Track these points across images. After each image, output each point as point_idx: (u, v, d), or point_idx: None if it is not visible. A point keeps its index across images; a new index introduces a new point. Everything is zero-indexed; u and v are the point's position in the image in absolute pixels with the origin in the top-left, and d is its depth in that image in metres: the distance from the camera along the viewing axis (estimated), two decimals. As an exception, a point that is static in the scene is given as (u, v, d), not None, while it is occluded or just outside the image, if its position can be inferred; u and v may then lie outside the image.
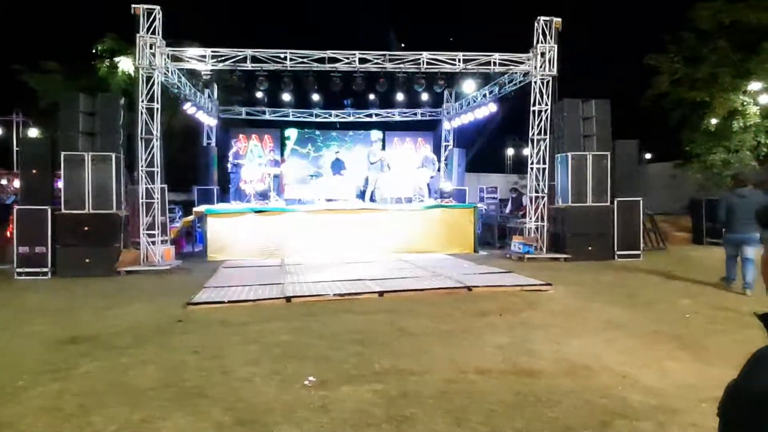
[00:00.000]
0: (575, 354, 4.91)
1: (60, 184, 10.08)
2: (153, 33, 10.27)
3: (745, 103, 14.19)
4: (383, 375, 4.42)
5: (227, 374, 4.42)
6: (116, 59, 16.80)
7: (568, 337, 5.43)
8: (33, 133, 19.07)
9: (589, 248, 11.12)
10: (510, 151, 32.13)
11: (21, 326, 6.10)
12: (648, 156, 24.35)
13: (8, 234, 10.37)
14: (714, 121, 14.72)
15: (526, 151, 19.05)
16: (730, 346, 5.20)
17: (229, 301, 7.04)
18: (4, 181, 17.11)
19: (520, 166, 26.59)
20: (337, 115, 17.86)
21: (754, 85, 14.27)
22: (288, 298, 7.17)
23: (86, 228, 9.84)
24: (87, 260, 9.79)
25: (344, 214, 12.53)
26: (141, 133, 10.38)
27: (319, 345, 5.24)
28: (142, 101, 10.32)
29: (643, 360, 4.76)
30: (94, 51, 17.68)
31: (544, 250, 11.52)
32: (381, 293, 7.49)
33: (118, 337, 5.51)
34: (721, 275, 8.24)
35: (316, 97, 14.85)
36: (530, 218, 11.71)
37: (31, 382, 4.23)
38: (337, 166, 15.23)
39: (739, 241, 7.71)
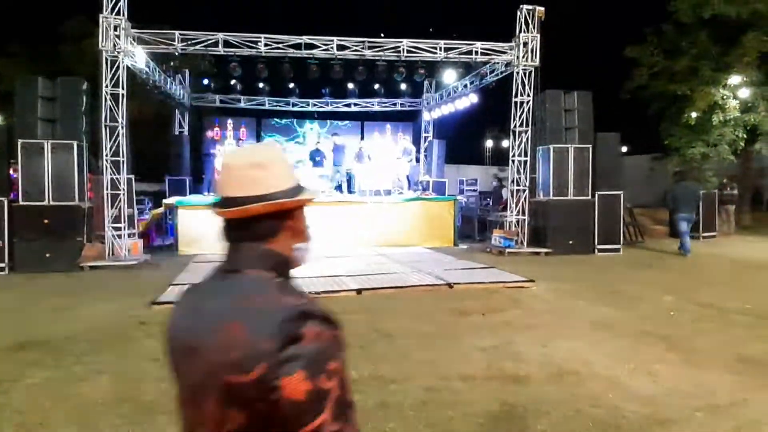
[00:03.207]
0: (562, 358, 4.69)
1: (17, 174, 9.48)
2: (118, 13, 9.67)
3: (725, 97, 14.21)
4: (360, 383, 4.11)
5: (191, 384, 4.06)
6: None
7: (554, 339, 5.21)
8: (-6, 119, 18.10)
9: (570, 242, 10.99)
10: (489, 143, 32.00)
11: (-33, 329, 5.62)
12: (624, 149, 24.46)
13: None
14: (694, 114, 14.73)
15: (506, 143, 18.88)
16: (718, 347, 5.06)
17: (197, 300, 6.63)
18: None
19: (499, 158, 26.52)
20: (314, 105, 17.39)
21: (734, 79, 14.29)
22: (260, 297, 6.79)
23: (46, 221, 9.28)
24: (47, 255, 9.23)
25: (322, 207, 12.13)
26: (105, 121, 9.80)
27: (292, 349, 4.90)
28: (107, 86, 9.73)
29: (633, 363, 4.56)
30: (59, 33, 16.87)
31: (525, 244, 11.35)
32: (359, 291, 7.18)
33: (73, 342, 5.08)
34: (679, 253, 10.80)
35: (292, 84, 14.43)
36: (511, 211, 11.52)
37: (-31, 396, 3.81)
38: (317, 156, 14.75)
39: (686, 219, 10.71)
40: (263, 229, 1.01)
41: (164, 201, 12.60)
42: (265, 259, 1.00)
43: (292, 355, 0.86)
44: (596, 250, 11.10)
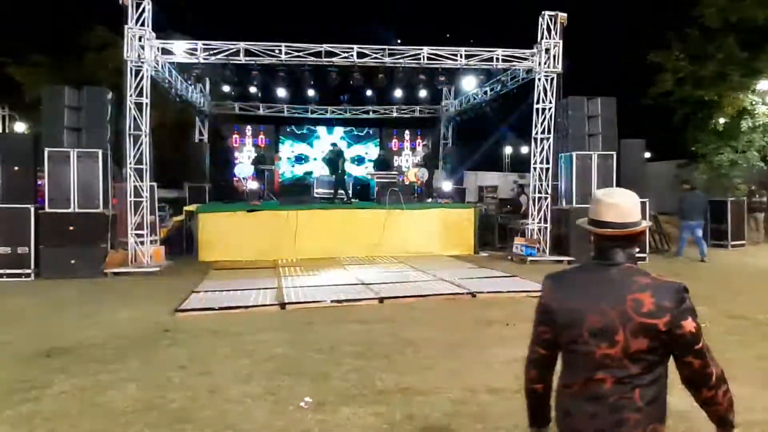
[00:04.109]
0: (592, 370, 4.56)
1: (44, 182, 9.64)
2: (142, 25, 9.83)
3: (753, 103, 13.89)
4: (386, 394, 4.06)
5: (215, 394, 4.04)
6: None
7: (582, 351, 5.08)
8: (20, 127, 18.54)
9: (594, 251, 10.77)
10: (509, 150, 31.78)
11: (-4, 335, 5.69)
12: (648, 155, 24.05)
13: None
14: (722, 120, 14.41)
15: (525, 150, 18.70)
16: (753, 361, 4.89)
17: (219, 308, 6.66)
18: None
19: (518, 165, 26.27)
20: (333, 112, 17.44)
21: (763, 84, 13.96)
22: (282, 305, 6.79)
23: (71, 228, 9.40)
24: (72, 261, 9.35)
25: (341, 214, 12.14)
26: (129, 129, 9.93)
27: (315, 359, 4.87)
28: (131, 96, 9.88)
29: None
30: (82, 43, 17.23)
31: (547, 252, 11.18)
32: (381, 299, 7.12)
33: (99, 350, 5.12)
34: (693, 259, 11.24)
35: (311, 92, 14.48)
36: (533, 219, 11.37)
37: (-1, 403, 3.84)
38: (335, 163, 14.79)
39: (694, 227, 11.25)
40: (632, 240, 1.70)
41: (185, 208, 12.72)
42: (632, 257, 1.69)
43: (684, 309, 1.56)
44: (620, 259, 10.87)
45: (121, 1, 9.70)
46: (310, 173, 16.92)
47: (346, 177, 13.85)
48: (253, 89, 13.69)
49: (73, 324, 6.14)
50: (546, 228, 11.28)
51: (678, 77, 14.98)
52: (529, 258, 10.90)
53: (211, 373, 4.47)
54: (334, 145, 14.67)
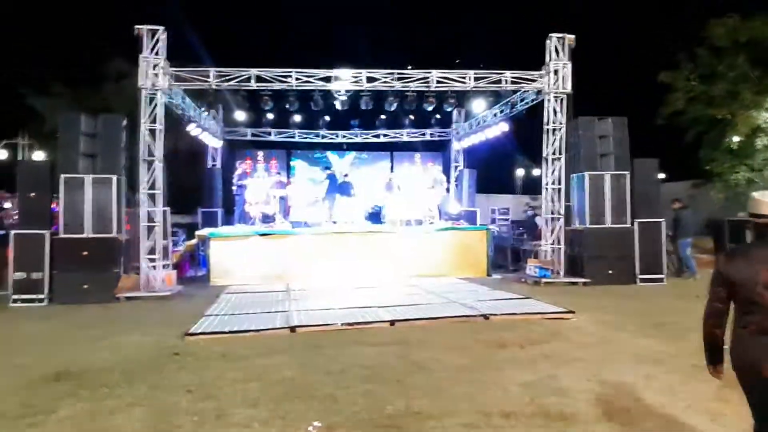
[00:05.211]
0: (611, 394, 4.41)
1: (59, 207, 9.76)
2: (157, 54, 10.04)
3: (767, 121, 13.74)
4: (397, 419, 3.95)
5: (222, 419, 3.96)
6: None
7: (600, 374, 4.93)
8: (39, 156, 18.92)
9: (609, 272, 10.59)
10: (520, 172, 31.63)
11: (7, 358, 5.68)
12: (662, 175, 23.75)
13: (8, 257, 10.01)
14: (736, 139, 14.26)
15: (537, 172, 18.60)
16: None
17: (229, 331, 6.60)
18: (8, 204, 16.84)
19: (531, 187, 26.08)
20: (344, 136, 17.57)
21: (777, 103, 13.85)
22: (293, 328, 6.72)
23: (85, 253, 9.47)
24: (85, 286, 9.38)
25: (352, 237, 12.11)
26: (143, 155, 10.08)
27: (325, 382, 4.77)
28: (145, 122, 10.05)
29: (688, 401, 4.25)
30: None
31: (562, 273, 10.99)
32: (392, 322, 7.02)
33: (108, 373, 5.07)
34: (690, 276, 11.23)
35: (323, 117, 14.64)
36: (546, 241, 11.22)
37: (5, 428, 3.79)
38: (345, 188, 14.84)
39: (690, 244, 11.69)
40: None
41: (197, 233, 12.79)
42: None
43: None
44: (638, 281, 10.66)
45: (136, 31, 9.95)
46: (321, 197, 16.97)
47: (335, 200, 13.86)
48: (266, 114, 13.85)
49: (83, 348, 6.12)
50: (560, 249, 11.11)
51: (689, 96, 14.90)
52: (543, 280, 10.72)
53: (218, 397, 4.40)
54: (326, 169, 14.85)
